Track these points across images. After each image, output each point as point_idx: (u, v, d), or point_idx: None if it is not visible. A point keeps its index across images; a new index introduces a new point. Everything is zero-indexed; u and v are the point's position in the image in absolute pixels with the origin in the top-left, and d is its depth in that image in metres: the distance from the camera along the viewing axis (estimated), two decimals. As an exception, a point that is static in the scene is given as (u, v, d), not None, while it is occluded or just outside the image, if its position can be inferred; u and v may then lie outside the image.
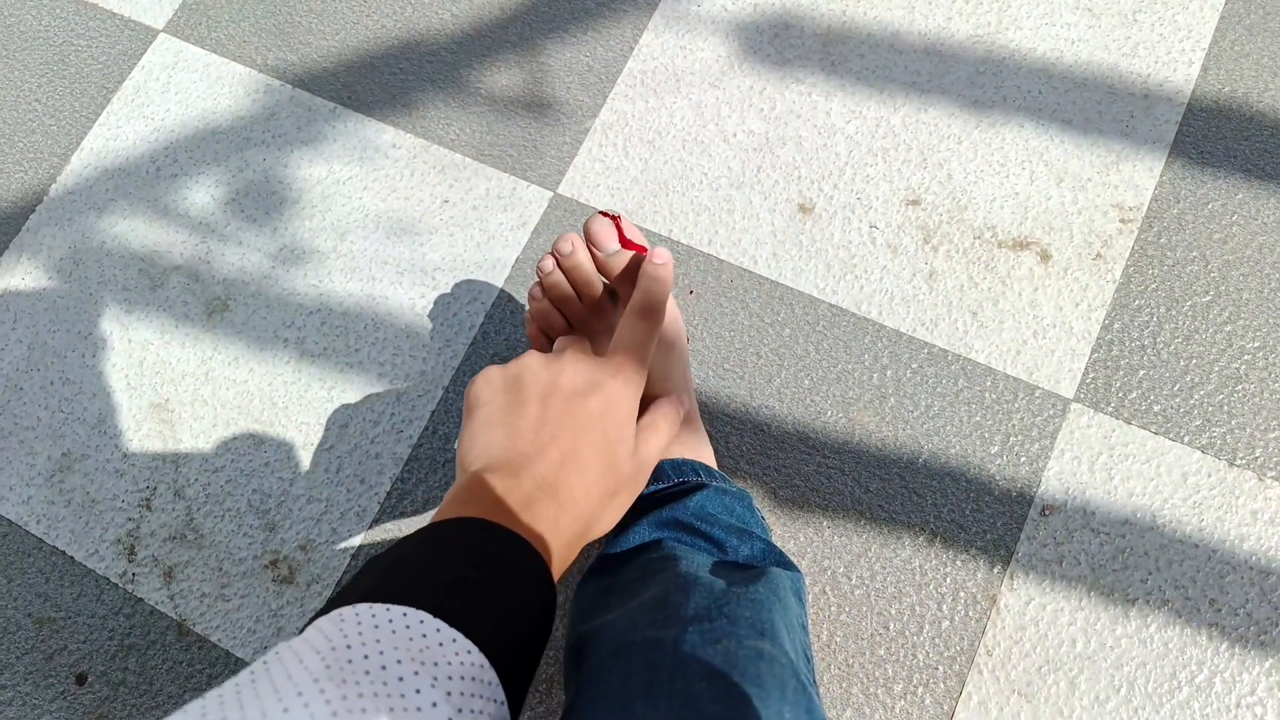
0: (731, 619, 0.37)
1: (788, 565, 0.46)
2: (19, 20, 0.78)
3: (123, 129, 0.73)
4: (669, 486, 0.47)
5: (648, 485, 0.48)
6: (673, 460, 0.49)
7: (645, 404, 0.50)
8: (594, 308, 0.52)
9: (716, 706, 0.32)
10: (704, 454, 0.52)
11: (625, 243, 0.52)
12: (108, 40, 0.76)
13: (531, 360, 0.42)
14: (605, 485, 0.39)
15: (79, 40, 0.77)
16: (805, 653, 0.41)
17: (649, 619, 0.38)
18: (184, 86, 0.74)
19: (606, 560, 0.46)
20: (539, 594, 0.34)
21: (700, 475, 0.48)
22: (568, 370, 0.41)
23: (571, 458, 0.39)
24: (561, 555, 0.37)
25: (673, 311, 0.53)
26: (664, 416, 0.44)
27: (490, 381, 0.42)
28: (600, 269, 0.53)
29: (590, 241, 0.52)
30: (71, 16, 0.78)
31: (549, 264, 0.53)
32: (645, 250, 0.54)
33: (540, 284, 0.54)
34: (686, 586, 0.40)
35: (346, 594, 0.31)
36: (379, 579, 0.32)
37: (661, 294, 0.45)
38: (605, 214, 0.52)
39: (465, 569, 0.32)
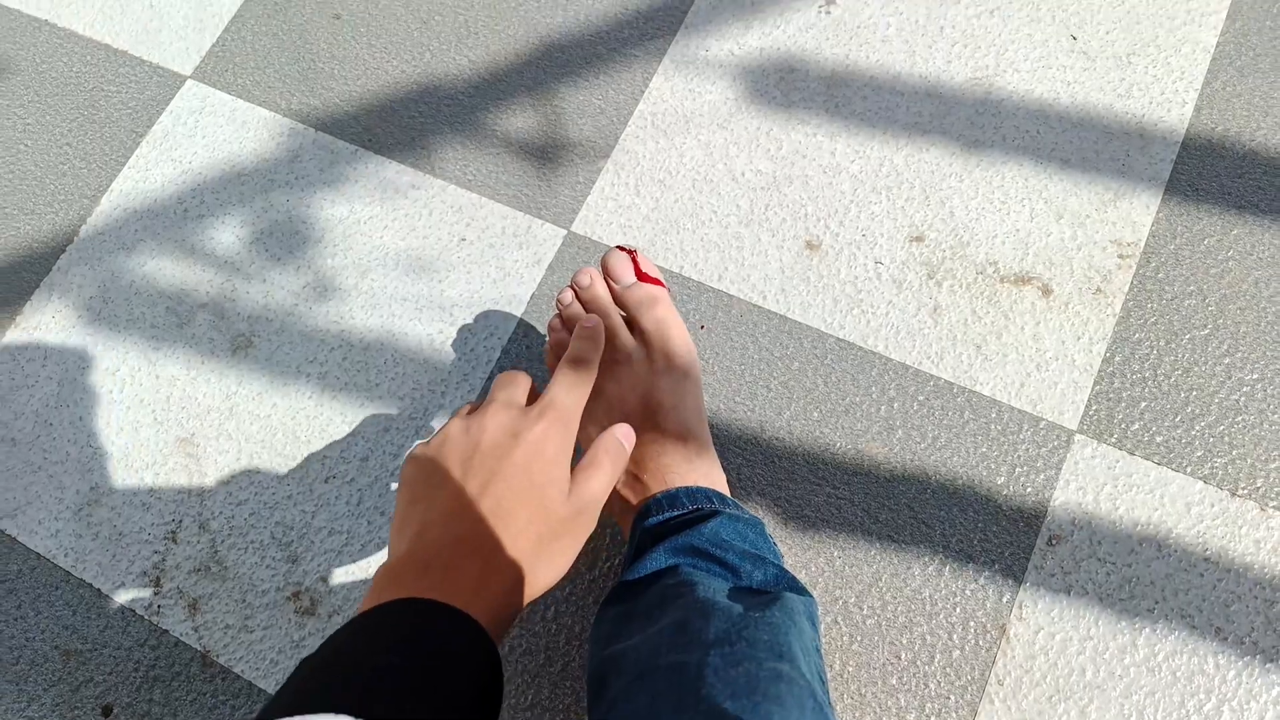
0: (751, 642, 0.39)
1: (800, 590, 0.47)
2: (51, 67, 0.82)
3: (151, 171, 0.76)
4: (684, 513, 0.49)
5: (663, 512, 0.49)
6: (688, 488, 0.50)
7: (663, 441, 0.52)
8: (611, 339, 0.54)
9: None
10: (717, 481, 0.53)
11: (641, 276, 0.55)
12: (137, 86, 0.79)
13: (453, 428, 0.44)
14: (535, 531, 0.39)
15: (109, 86, 0.80)
16: (820, 675, 0.42)
17: (670, 644, 0.40)
18: (211, 130, 0.76)
19: (624, 586, 0.47)
20: (474, 659, 0.34)
21: (714, 502, 0.50)
22: (488, 427, 0.42)
23: (494, 512, 0.39)
24: (498, 612, 0.37)
25: (687, 343, 0.55)
26: (605, 452, 0.44)
27: (415, 460, 0.43)
28: (617, 301, 0.55)
29: (607, 274, 0.54)
30: (102, 63, 0.81)
31: (568, 296, 0.55)
32: (661, 283, 0.56)
33: (559, 316, 0.56)
34: (706, 612, 0.41)
35: (273, 707, 0.31)
36: (300, 686, 0.32)
37: (588, 350, 0.47)
38: (622, 248, 0.55)
39: (389, 656, 0.32)
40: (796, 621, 0.42)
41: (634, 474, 0.51)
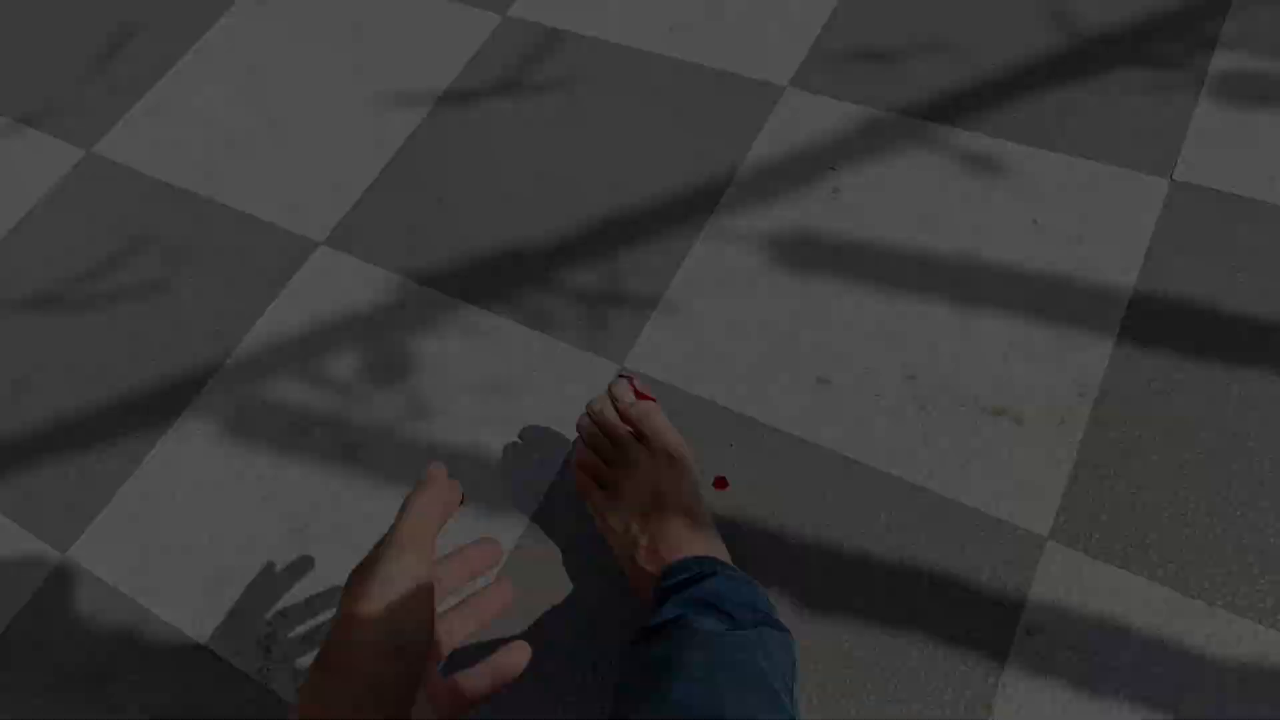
0: (721, 648, 0.53)
1: (780, 629, 0.58)
2: (208, 233, 1.02)
3: (285, 317, 0.94)
4: (692, 575, 0.61)
5: (675, 575, 0.61)
6: (696, 556, 0.63)
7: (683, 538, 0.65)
8: (620, 449, 0.70)
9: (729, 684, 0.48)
10: (717, 548, 0.66)
11: (639, 394, 0.71)
12: (278, 250, 0.99)
13: None
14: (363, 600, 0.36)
15: (254, 250, 1.00)
16: (787, 686, 0.54)
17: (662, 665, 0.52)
18: (336, 286, 0.95)
19: (644, 631, 0.59)
20: None
21: (716, 567, 0.62)
22: None
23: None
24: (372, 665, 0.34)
25: (678, 441, 0.70)
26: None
27: None
28: (623, 418, 0.70)
29: (613, 398, 0.70)
30: (250, 232, 1.01)
31: (585, 421, 0.71)
32: (653, 398, 0.71)
33: (581, 439, 0.72)
34: (693, 640, 0.54)
35: None
36: None
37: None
38: (623, 375, 0.71)
39: None
40: (765, 646, 0.55)
41: (651, 548, 0.64)
